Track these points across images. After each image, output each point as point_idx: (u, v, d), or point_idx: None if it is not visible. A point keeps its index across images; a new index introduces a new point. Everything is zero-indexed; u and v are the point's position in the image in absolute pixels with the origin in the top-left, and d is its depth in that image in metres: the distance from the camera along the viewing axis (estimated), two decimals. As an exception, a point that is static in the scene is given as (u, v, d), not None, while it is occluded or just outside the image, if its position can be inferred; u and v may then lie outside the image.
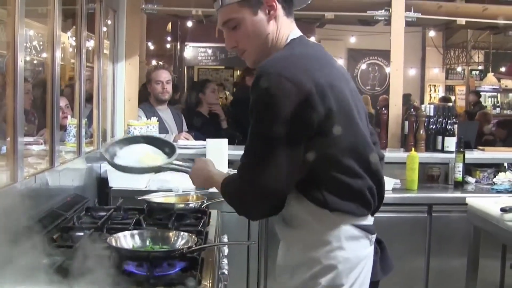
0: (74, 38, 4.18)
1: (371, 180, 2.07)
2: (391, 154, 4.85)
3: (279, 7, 2.10)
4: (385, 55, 8.34)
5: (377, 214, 2.18)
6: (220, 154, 4.37)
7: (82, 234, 2.56)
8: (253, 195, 2.01)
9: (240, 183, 2.05)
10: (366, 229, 2.09)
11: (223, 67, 14.37)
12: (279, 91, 1.90)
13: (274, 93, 1.90)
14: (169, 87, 5.30)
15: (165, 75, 5.27)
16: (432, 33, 11.18)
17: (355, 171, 2.02)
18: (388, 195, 4.21)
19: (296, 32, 2.17)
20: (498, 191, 4.45)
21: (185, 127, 5.59)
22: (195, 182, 2.50)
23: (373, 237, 2.14)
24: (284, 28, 2.14)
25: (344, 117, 1.99)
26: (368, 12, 5.19)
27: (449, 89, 14.82)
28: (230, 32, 2.16)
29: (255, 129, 1.98)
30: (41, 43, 3.69)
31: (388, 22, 5.21)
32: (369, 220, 2.13)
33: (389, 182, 4.33)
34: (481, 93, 13.68)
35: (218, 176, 2.31)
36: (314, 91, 1.90)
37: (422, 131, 4.88)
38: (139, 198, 3.24)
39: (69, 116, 4.06)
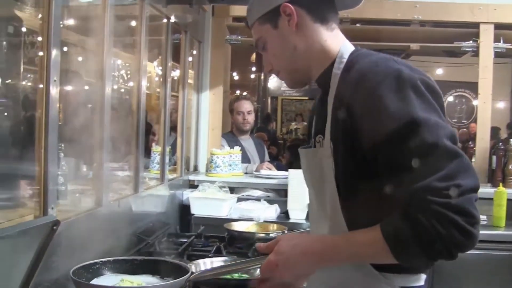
0: (160, 68, 4.28)
1: None
2: (478, 189, 4.71)
3: (302, 14, 1.72)
4: (473, 87, 8.13)
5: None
6: (303, 185, 4.32)
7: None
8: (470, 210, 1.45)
9: (442, 204, 1.41)
10: None
11: (307, 98, 14.45)
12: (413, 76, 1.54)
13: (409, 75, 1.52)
14: (250, 118, 5.33)
15: (246, 106, 5.31)
16: (522, 65, 10.85)
17: None
18: (474, 231, 4.08)
19: (348, 45, 1.76)
20: None
21: (267, 157, 5.60)
22: (289, 270, 1.59)
23: None
24: (320, 38, 1.74)
25: None
26: (455, 43, 5.08)
27: (540, 123, 14.31)
28: (264, 54, 1.84)
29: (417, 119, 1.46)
30: (128, 72, 3.79)
31: (476, 53, 5.08)
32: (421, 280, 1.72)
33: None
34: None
35: (335, 237, 1.65)
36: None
37: (511, 166, 4.72)
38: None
39: (153, 144, 4.15)
